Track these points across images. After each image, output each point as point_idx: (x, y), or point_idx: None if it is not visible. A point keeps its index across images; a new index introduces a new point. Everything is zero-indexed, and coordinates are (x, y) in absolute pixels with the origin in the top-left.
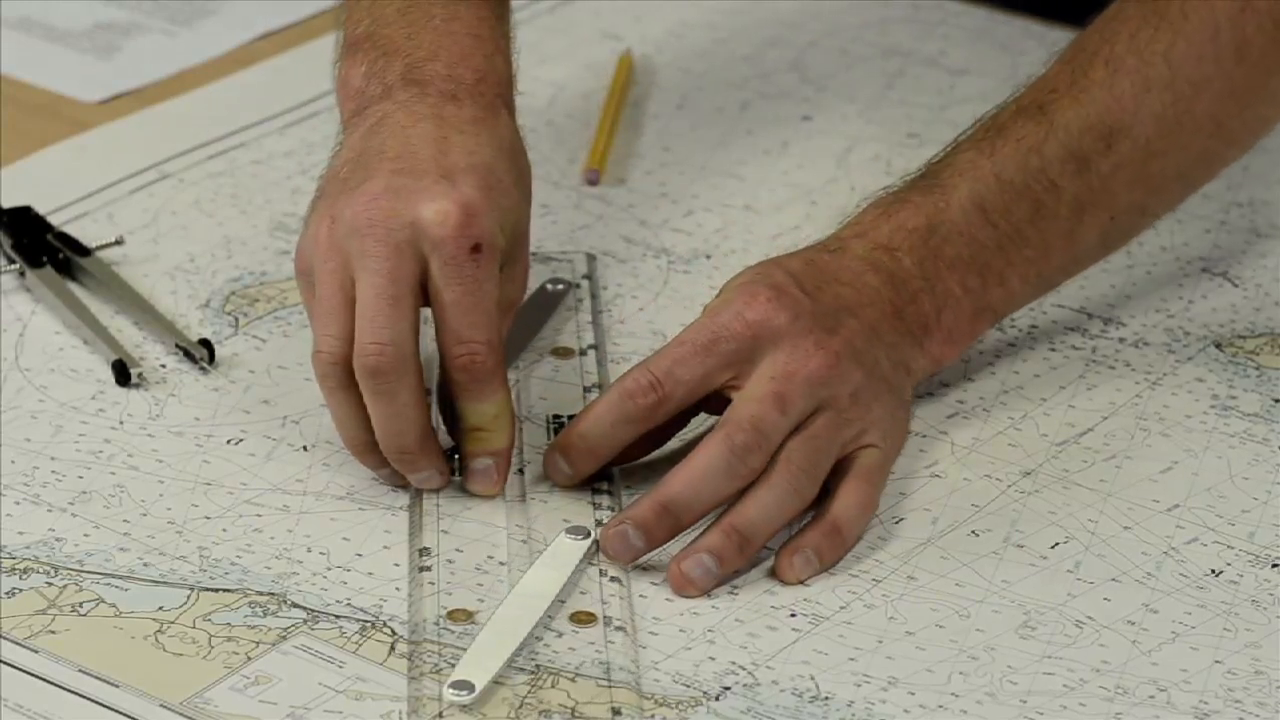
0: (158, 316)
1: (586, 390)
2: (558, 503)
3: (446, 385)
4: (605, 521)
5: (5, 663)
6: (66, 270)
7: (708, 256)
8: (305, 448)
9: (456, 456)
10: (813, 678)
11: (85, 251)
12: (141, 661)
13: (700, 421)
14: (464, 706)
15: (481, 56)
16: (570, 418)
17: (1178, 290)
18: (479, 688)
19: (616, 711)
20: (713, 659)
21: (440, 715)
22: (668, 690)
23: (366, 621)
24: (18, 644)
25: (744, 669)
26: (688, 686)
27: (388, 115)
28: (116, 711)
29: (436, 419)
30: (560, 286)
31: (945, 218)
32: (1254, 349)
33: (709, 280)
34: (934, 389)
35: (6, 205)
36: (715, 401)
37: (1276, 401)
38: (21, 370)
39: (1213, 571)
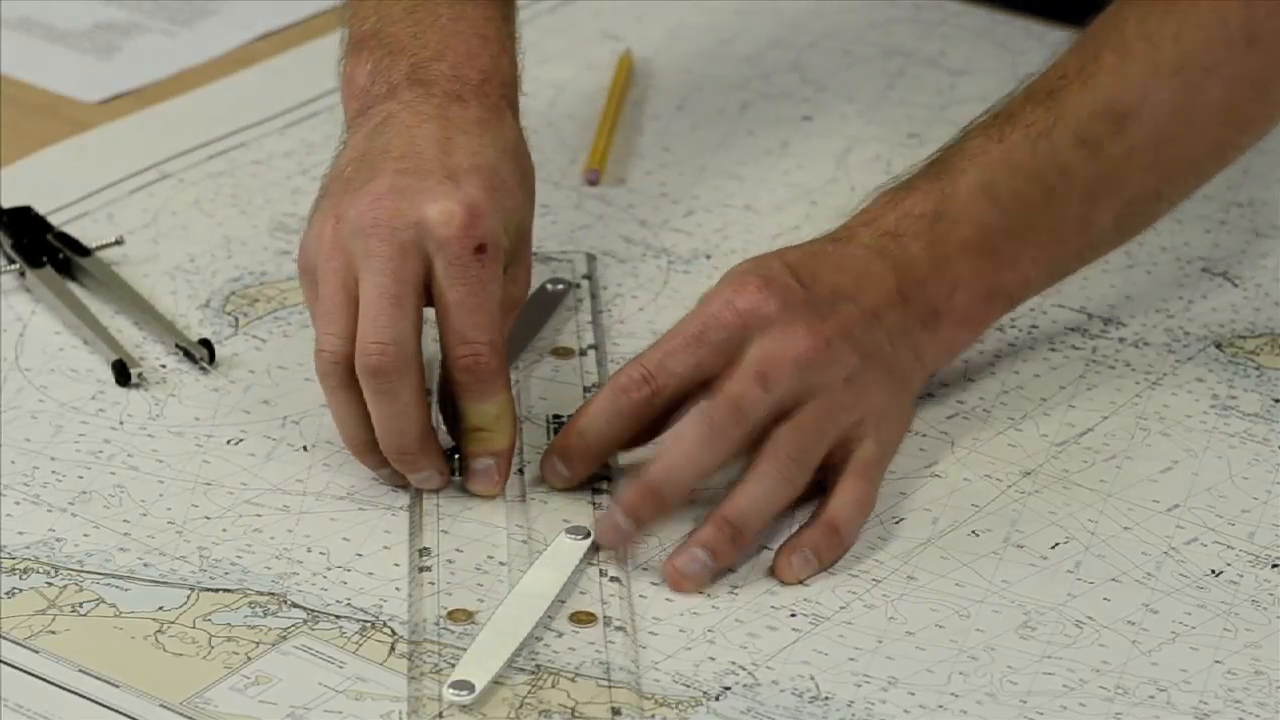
0: (158, 316)
1: (586, 390)
2: (558, 503)
3: (447, 385)
4: None
5: (5, 663)
6: (66, 270)
7: (708, 256)
8: (305, 448)
9: (457, 456)
10: (813, 678)
11: (85, 251)
12: (141, 661)
13: None
14: (464, 706)
15: (487, 57)
16: (570, 418)
17: (1178, 290)
18: (479, 688)
19: (616, 711)
20: (713, 659)
21: (440, 715)
22: (668, 690)
23: (366, 621)
24: (18, 644)
25: (744, 669)
26: (688, 686)
27: (392, 115)
28: (116, 711)
29: (437, 419)
30: (560, 286)
31: (953, 203)
32: (1254, 349)
33: (709, 280)
34: (934, 389)
35: (6, 205)
36: (710, 392)
37: (1276, 401)
38: (21, 370)
39: (1213, 571)
